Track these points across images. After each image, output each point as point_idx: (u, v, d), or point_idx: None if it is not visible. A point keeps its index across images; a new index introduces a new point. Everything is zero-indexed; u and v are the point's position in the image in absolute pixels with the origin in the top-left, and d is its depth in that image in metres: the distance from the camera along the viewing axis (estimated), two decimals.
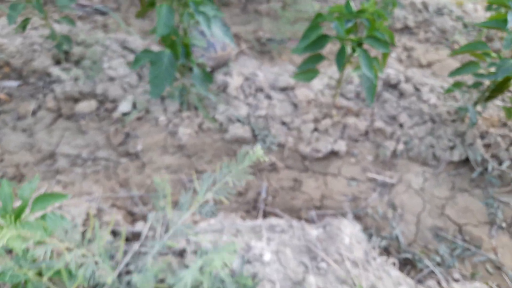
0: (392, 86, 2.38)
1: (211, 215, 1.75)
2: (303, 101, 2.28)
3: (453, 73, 1.96)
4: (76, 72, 2.38)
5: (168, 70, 1.83)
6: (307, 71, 2.00)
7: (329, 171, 2.11)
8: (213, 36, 2.36)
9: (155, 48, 2.53)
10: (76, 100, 2.32)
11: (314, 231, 1.53)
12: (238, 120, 2.22)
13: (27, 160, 2.07)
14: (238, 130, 2.16)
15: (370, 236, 1.80)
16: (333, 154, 2.16)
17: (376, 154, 2.17)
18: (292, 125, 2.23)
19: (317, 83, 2.47)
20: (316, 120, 2.25)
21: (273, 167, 2.11)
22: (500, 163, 2.06)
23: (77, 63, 2.47)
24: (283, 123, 2.24)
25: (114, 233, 1.69)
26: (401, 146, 2.15)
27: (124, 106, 2.26)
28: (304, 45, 1.83)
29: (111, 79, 2.36)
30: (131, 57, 2.44)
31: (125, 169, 2.08)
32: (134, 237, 1.70)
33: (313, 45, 1.82)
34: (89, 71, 2.39)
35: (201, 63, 2.09)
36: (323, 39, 1.80)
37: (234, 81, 2.32)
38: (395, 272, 1.53)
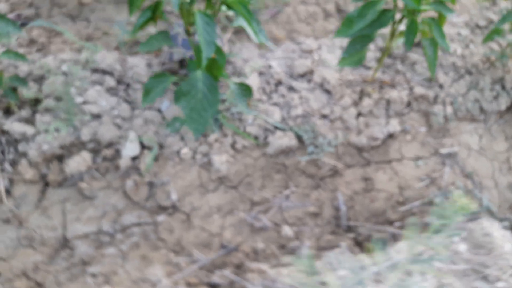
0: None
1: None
2: (336, 86, 1.97)
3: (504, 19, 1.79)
4: (43, 119, 1.76)
5: (207, 97, 1.38)
6: (354, 54, 1.68)
7: (391, 157, 1.89)
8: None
9: (133, 61, 1.96)
10: (60, 158, 1.74)
11: (460, 246, 1.32)
12: (276, 128, 1.85)
13: (35, 261, 1.52)
14: (282, 141, 1.80)
15: None
16: (389, 136, 1.93)
17: (428, 123, 1.99)
18: (333, 115, 1.92)
19: (331, 58, 2.15)
20: (355, 103, 1.97)
21: (333, 171, 1.83)
22: None
23: (36, 107, 1.83)
24: (324, 116, 1.92)
25: None
26: (449, 109, 1.99)
27: (130, 149, 1.75)
28: (360, 26, 1.49)
29: (95, 116, 1.80)
30: (110, 82, 1.86)
31: (169, 229, 1.63)
32: None
33: (372, 25, 1.50)
34: (60, 114, 1.78)
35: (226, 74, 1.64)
36: (385, 16, 1.48)
37: (252, 81, 1.91)
38: None
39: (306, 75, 2.05)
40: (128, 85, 1.89)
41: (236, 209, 1.70)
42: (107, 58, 1.92)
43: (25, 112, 1.81)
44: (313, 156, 1.81)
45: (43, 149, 1.69)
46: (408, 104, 2.01)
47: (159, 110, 1.85)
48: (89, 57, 1.95)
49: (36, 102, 1.86)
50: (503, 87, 2.05)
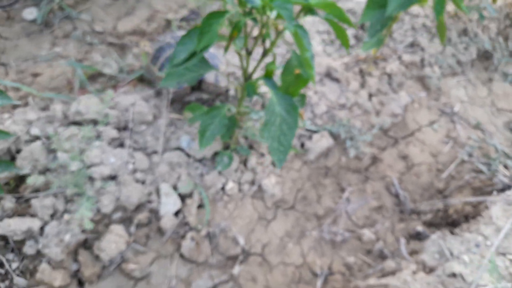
0: None
1: None
2: (342, 72, 1.90)
3: None
4: (44, 203, 1.34)
5: (286, 120, 1.18)
6: (375, 36, 1.62)
7: (412, 128, 1.91)
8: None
9: (125, 99, 1.59)
10: (87, 244, 1.35)
11: None
12: (310, 131, 1.71)
13: None
14: (320, 143, 1.68)
15: None
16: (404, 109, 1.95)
17: (425, 87, 2.06)
18: (349, 103, 1.86)
19: (314, 44, 2.07)
20: (362, 85, 1.94)
21: (373, 158, 1.78)
22: (506, 39, 2.26)
23: (20, 190, 1.38)
24: (342, 106, 1.85)
25: None
26: (436, 69, 2.09)
27: (168, 204, 1.44)
28: (394, 5, 1.43)
29: (109, 179, 1.43)
30: (109, 132, 1.48)
31: (252, 279, 1.42)
32: None
33: (404, 4, 1.44)
34: (63, 189, 1.37)
35: None
36: None
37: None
38: None
39: None
40: (132, 130, 1.54)
41: (306, 230, 1.55)
42: (89, 104, 1.53)
43: (9, 203, 1.35)
44: (352, 150, 1.74)
45: (65, 240, 1.29)
46: (403, 74, 2.05)
47: (180, 149, 1.55)
48: (64, 109, 1.53)
49: (16, 185, 1.40)
50: (469, 37, 2.22)
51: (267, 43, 1.19)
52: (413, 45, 2.13)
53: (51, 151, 1.45)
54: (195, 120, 1.42)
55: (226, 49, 1.10)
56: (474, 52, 2.19)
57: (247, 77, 1.29)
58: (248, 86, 1.25)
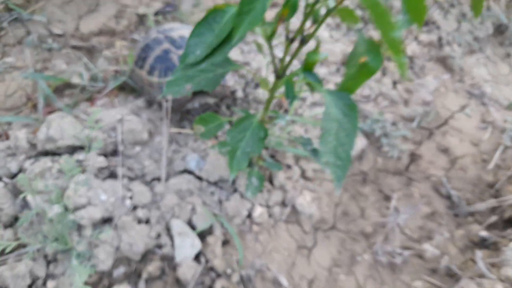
0: None
1: None
2: None
3: None
4: (17, 271, 0.96)
5: (343, 125, 0.88)
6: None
7: (443, 116, 1.67)
8: None
9: (110, 115, 1.22)
10: None
11: None
12: None
13: None
14: (355, 146, 1.39)
15: None
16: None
17: (447, 68, 1.82)
18: (373, 93, 1.59)
19: (323, 32, 1.79)
20: (383, 72, 1.67)
21: (411, 155, 1.52)
22: None
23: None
24: (367, 98, 1.57)
25: None
26: (456, 47, 1.86)
27: (185, 247, 1.10)
28: None
29: (102, 223, 1.07)
30: (95, 160, 1.12)
31: None
32: None
33: None
34: (40, 247, 1.00)
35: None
36: None
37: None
38: None
39: None
40: (123, 154, 1.18)
41: (356, 254, 1.26)
42: (63, 126, 1.15)
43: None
44: (389, 148, 1.46)
45: None
46: (423, 55, 1.80)
47: (188, 172, 1.21)
48: (29, 135, 1.15)
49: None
50: (486, 12, 2.01)
51: (310, 27, 0.88)
52: (427, 23, 1.88)
53: (18, 195, 1.07)
54: (209, 135, 1.09)
55: (270, 36, 0.78)
56: (490, 27, 1.99)
57: (281, 73, 0.97)
58: (287, 85, 0.94)
